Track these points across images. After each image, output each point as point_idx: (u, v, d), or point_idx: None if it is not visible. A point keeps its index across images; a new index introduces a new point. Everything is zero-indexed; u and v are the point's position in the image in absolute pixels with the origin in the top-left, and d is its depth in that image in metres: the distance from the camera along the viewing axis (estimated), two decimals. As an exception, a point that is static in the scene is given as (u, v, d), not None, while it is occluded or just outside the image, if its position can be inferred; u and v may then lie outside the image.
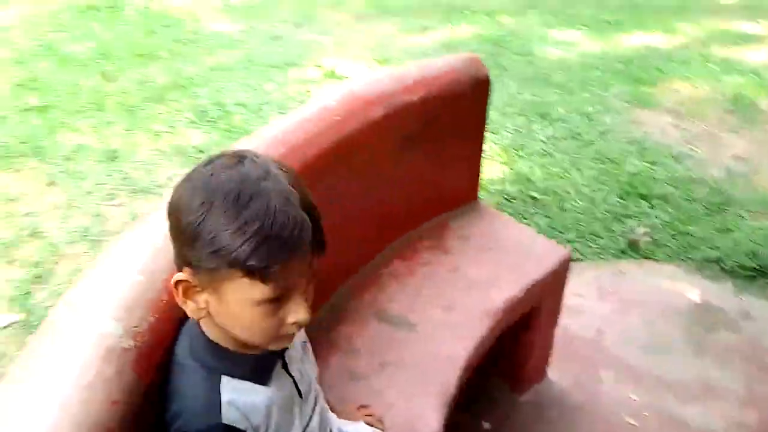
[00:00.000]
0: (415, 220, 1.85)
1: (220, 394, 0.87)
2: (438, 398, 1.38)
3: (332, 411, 1.22)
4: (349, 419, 1.24)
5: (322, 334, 1.49)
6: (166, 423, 0.89)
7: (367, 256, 1.72)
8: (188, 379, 0.89)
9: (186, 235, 0.80)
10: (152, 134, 3.38)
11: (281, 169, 0.83)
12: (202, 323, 0.89)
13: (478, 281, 1.70)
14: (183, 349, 0.91)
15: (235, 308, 0.82)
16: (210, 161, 0.83)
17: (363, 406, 1.32)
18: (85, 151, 3.19)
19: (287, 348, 0.96)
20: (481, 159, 1.96)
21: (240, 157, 0.82)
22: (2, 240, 2.60)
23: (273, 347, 0.89)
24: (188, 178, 0.83)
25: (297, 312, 0.83)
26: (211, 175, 0.81)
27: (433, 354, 1.49)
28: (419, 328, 1.56)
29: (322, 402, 1.09)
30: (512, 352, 1.97)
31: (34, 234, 2.64)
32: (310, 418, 1.03)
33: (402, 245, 1.80)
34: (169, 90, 3.82)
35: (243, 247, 0.76)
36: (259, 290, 0.79)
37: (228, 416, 0.87)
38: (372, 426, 1.27)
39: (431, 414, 1.34)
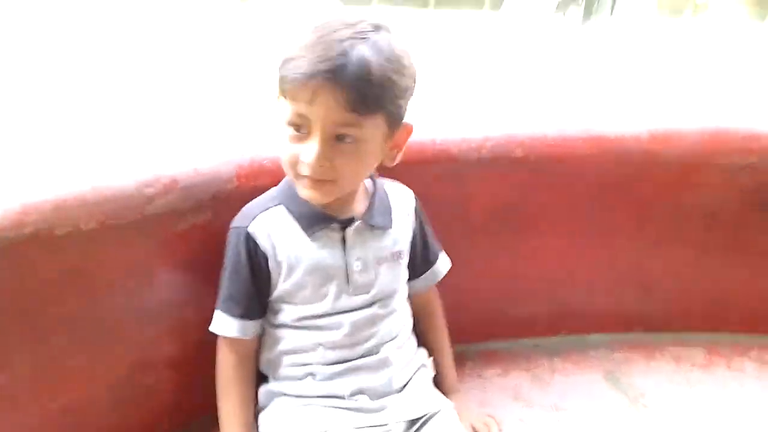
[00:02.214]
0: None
1: (264, 211, 0.94)
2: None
3: (448, 393, 1.08)
4: (461, 415, 1.06)
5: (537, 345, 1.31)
6: None
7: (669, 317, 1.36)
8: (265, 193, 0.97)
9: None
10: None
11: (392, 45, 0.82)
12: None
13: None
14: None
15: (280, 124, 0.86)
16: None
17: (490, 416, 1.11)
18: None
19: (349, 225, 0.94)
20: None
21: (374, 22, 0.84)
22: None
23: (300, 189, 0.89)
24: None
25: (307, 151, 0.83)
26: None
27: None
28: (647, 408, 1.17)
29: (389, 320, 0.99)
30: None
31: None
32: (349, 312, 0.95)
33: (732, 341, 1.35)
34: None
35: (285, 56, 0.83)
36: (283, 107, 0.84)
37: (255, 228, 0.93)
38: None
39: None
